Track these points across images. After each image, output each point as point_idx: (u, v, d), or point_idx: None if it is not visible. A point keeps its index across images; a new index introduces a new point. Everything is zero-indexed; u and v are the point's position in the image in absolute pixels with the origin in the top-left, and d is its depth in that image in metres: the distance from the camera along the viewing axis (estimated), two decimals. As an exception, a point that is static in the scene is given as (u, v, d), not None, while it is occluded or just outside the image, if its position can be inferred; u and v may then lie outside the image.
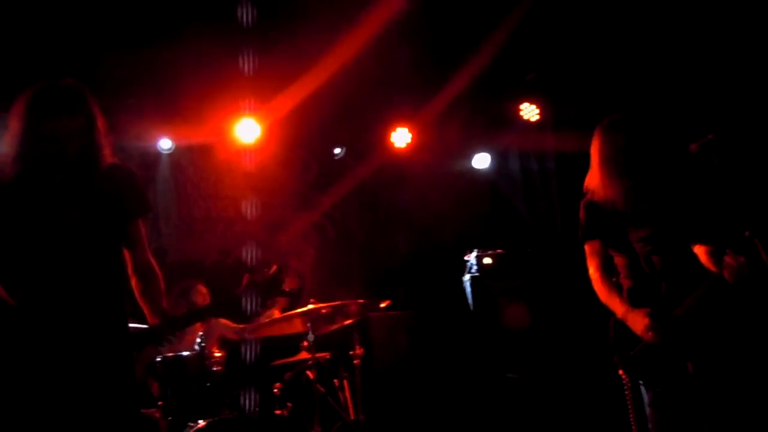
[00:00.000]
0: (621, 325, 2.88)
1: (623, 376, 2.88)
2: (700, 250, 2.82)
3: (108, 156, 2.55)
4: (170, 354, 4.12)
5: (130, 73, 4.99)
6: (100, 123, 2.54)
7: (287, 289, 2.66)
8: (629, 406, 2.88)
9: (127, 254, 2.63)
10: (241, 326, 5.00)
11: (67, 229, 2.43)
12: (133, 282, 2.66)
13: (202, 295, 4.92)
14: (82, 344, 2.40)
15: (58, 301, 2.40)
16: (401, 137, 6.27)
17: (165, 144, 5.82)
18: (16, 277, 2.43)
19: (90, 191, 2.48)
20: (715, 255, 2.72)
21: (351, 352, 4.48)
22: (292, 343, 4.60)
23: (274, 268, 2.77)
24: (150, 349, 4.60)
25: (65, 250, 2.43)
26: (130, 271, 2.64)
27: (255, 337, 4.82)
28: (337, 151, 6.41)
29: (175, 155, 5.95)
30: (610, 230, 2.99)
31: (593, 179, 3.02)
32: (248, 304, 2.79)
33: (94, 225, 2.46)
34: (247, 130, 5.78)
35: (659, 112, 3.14)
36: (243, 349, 4.98)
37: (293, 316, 4.21)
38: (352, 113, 6.09)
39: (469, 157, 6.72)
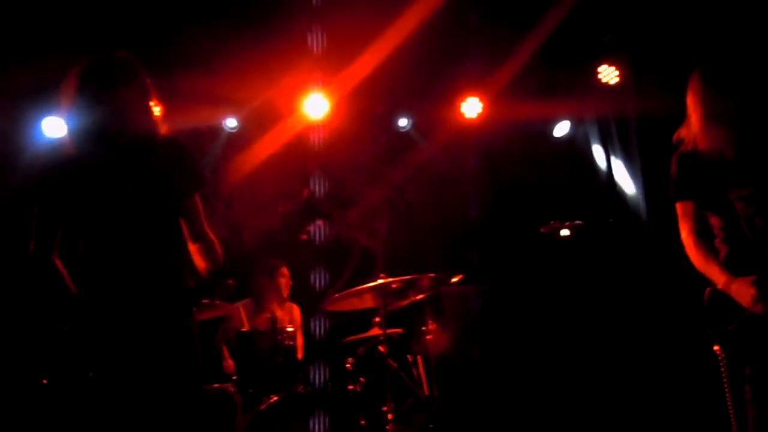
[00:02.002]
0: (719, 296, 2.63)
1: (718, 352, 2.65)
2: None
3: (162, 129, 2.52)
4: (245, 330, 4.17)
5: (199, 49, 5.01)
6: (153, 96, 2.50)
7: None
8: (725, 384, 2.66)
9: (184, 227, 2.57)
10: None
11: (120, 204, 2.41)
12: (194, 253, 2.62)
13: (285, 277, 4.98)
14: (142, 320, 2.40)
15: (115, 280, 2.41)
16: (471, 107, 6.09)
17: (230, 123, 5.87)
18: (77, 254, 2.45)
19: (144, 165, 2.44)
20: None
21: (423, 328, 4.40)
22: (363, 319, 4.57)
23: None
24: (227, 325, 4.73)
25: (119, 226, 2.42)
26: (189, 243, 2.60)
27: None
28: (403, 123, 6.28)
29: (244, 133, 5.99)
30: (707, 186, 2.72)
31: (691, 129, 2.76)
32: None
33: (146, 200, 2.43)
34: (316, 106, 5.74)
35: (759, 54, 2.85)
36: (315, 326, 5.01)
37: (364, 291, 4.16)
38: (420, 84, 5.94)
39: (544, 125, 6.46)
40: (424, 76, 5.88)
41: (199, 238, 2.58)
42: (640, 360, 5.21)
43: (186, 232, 2.56)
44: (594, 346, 5.42)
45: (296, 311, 5.06)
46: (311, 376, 4.22)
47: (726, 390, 2.66)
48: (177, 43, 4.84)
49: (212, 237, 2.62)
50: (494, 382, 5.28)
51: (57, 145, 2.49)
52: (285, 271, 4.99)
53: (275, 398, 3.83)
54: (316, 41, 5.18)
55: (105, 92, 2.40)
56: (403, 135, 6.36)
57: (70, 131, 2.44)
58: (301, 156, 6.06)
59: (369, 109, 6.04)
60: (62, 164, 2.43)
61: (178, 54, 4.89)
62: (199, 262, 2.58)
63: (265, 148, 5.97)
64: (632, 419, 4.96)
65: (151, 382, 2.37)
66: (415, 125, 6.32)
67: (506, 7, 5.24)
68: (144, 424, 2.37)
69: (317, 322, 4.98)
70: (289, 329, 4.15)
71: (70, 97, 2.43)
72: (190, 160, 2.58)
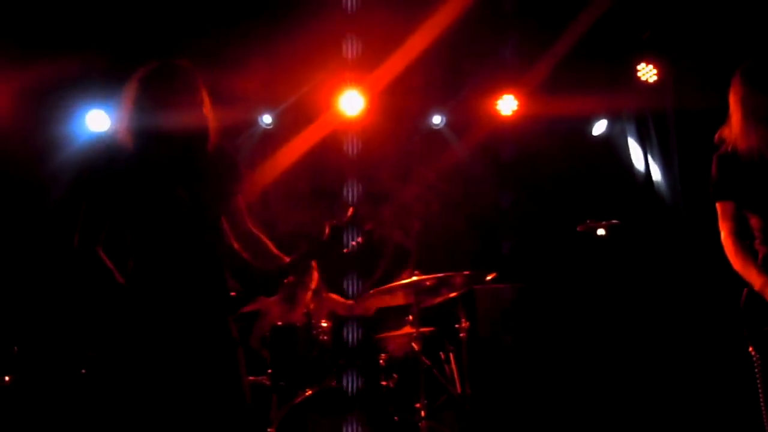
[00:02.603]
0: (756, 298, 2.61)
1: (753, 354, 2.63)
2: None
3: (215, 136, 2.62)
4: (280, 323, 4.24)
5: (235, 47, 5.09)
6: (208, 103, 2.61)
7: (367, 229, 2.69)
8: (759, 385, 2.63)
9: (227, 227, 2.70)
10: (350, 302, 5.06)
11: (172, 206, 2.52)
12: (241, 251, 2.74)
13: (313, 269, 5.01)
14: (187, 317, 2.49)
15: (162, 276, 2.50)
16: (507, 105, 6.06)
17: (266, 119, 5.95)
18: (127, 251, 2.55)
19: (197, 170, 2.57)
20: None
21: (456, 325, 4.42)
22: (397, 316, 4.60)
23: (351, 210, 2.76)
24: (261, 323, 4.80)
25: (169, 226, 2.52)
26: (233, 241, 2.72)
27: (364, 314, 4.88)
28: (437, 120, 6.28)
29: (280, 130, 6.07)
30: (747, 187, 2.70)
31: (732, 129, 2.75)
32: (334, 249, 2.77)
33: (197, 203, 2.55)
34: (351, 103, 5.79)
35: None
36: (350, 323, 5.05)
37: (397, 289, 4.19)
38: (454, 81, 5.94)
39: (581, 123, 6.40)
40: (459, 73, 5.88)
41: (244, 236, 2.71)
42: (675, 359, 5.14)
43: (230, 232, 2.68)
44: (629, 346, 5.36)
45: (333, 299, 5.07)
46: (344, 386, 4.25)
47: (760, 391, 2.63)
48: (214, 41, 4.93)
49: (258, 234, 2.74)
50: (526, 380, 5.27)
51: (111, 143, 2.59)
52: (312, 263, 5.01)
53: (309, 392, 3.88)
54: (350, 39, 5.22)
55: (166, 98, 2.51)
56: (438, 133, 6.37)
57: (129, 131, 2.53)
58: (336, 153, 6.11)
59: (404, 106, 6.06)
60: (117, 162, 2.52)
61: (215, 52, 4.98)
62: (247, 258, 2.70)
63: (300, 145, 6.04)
64: (667, 418, 4.90)
65: (190, 378, 2.45)
66: (449, 123, 6.32)
67: (542, 2, 5.19)
68: (183, 420, 2.43)
69: (350, 329, 5.03)
70: (324, 324, 4.20)
71: (131, 98, 2.53)
72: (234, 163, 2.72)
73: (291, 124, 6.02)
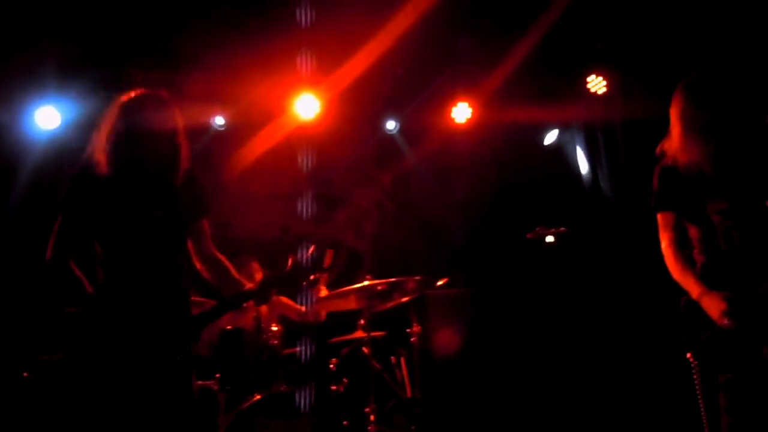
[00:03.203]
0: (693, 306, 2.69)
1: (691, 360, 2.71)
2: None
3: (187, 160, 2.82)
4: (229, 327, 4.18)
5: (189, 48, 5.03)
6: (182, 131, 2.81)
7: (326, 266, 2.82)
8: (698, 391, 2.71)
9: (192, 247, 2.89)
10: (302, 307, 5.04)
11: (146, 224, 2.70)
12: (204, 271, 2.93)
13: (257, 272, 4.97)
14: (150, 329, 2.63)
15: (131, 291, 2.65)
16: (462, 112, 6.13)
17: (218, 121, 5.89)
18: (97, 264, 2.72)
19: (170, 192, 2.76)
20: None
21: (408, 330, 4.44)
22: (348, 321, 4.60)
23: (312, 248, 2.90)
24: (213, 324, 4.74)
25: (143, 244, 2.70)
26: (197, 261, 2.90)
27: (314, 319, 4.86)
28: (391, 125, 6.31)
29: (235, 131, 6.00)
30: (687, 199, 2.78)
31: (672, 143, 2.81)
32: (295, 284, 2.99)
33: (169, 222, 2.74)
34: (307, 106, 5.77)
35: (739, 73, 2.92)
36: (301, 328, 5.03)
37: (349, 293, 4.19)
38: (410, 88, 5.98)
39: (532, 131, 6.52)
40: (415, 80, 5.92)
41: (207, 258, 2.91)
42: (620, 364, 5.27)
43: (193, 252, 2.88)
44: (575, 350, 5.47)
45: (284, 303, 5.03)
46: (297, 401, 4.26)
47: (699, 396, 2.71)
48: (168, 40, 4.86)
49: (221, 257, 2.94)
50: (477, 384, 5.32)
51: (90, 162, 2.75)
52: (257, 266, 4.98)
53: (258, 397, 3.85)
54: (306, 42, 5.21)
55: (145, 126, 2.71)
56: (393, 138, 6.40)
57: (107, 154, 2.70)
58: (291, 156, 6.08)
59: (360, 111, 6.07)
60: (95, 181, 2.69)
61: (168, 51, 4.91)
62: (208, 279, 2.91)
63: (255, 147, 5.99)
64: (611, 420, 5.02)
65: (141, 391, 2.58)
66: (403, 129, 6.35)
67: (497, 13, 5.27)
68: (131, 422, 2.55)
69: (304, 346, 5.03)
70: (274, 328, 4.17)
71: (111, 124, 2.73)
72: (203, 187, 2.92)
73: (245, 126, 5.96)
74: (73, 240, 2.69)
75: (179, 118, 2.81)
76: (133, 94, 2.76)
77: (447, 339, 5.26)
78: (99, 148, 2.72)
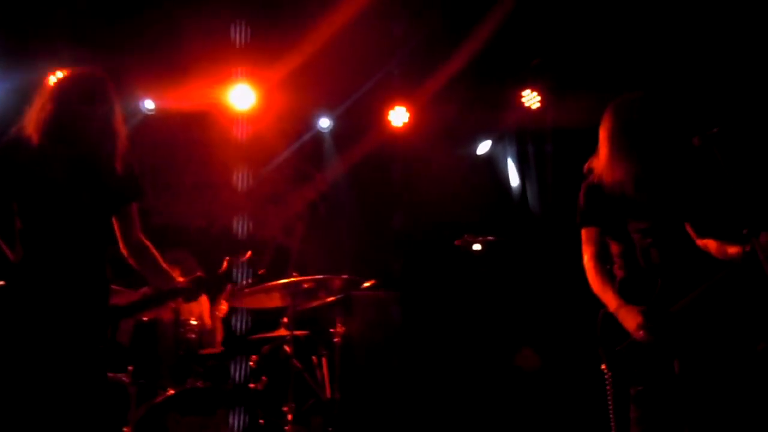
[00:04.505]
0: (610, 319, 2.77)
1: (606, 371, 2.79)
2: (707, 242, 2.71)
3: (122, 144, 2.77)
4: (145, 319, 4.04)
5: (122, 32, 4.85)
6: (119, 113, 2.78)
7: (260, 273, 2.80)
8: (609, 402, 2.79)
9: (118, 232, 2.80)
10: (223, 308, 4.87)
11: (73, 206, 2.65)
12: (129, 257, 2.84)
13: (184, 265, 4.80)
14: (65, 310, 2.58)
15: (49, 269, 2.60)
16: (399, 116, 6.14)
17: (148, 104, 5.67)
18: (21, 237, 2.64)
19: (99, 174, 2.70)
20: (727, 243, 2.62)
21: (331, 330, 4.40)
22: (271, 318, 4.52)
23: (249, 253, 2.91)
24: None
25: (68, 226, 2.64)
26: (122, 247, 2.82)
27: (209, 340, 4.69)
28: (325, 124, 6.25)
29: (167, 118, 5.80)
30: (609, 216, 2.87)
31: (599, 161, 2.89)
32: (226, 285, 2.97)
33: (96, 205, 2.69)
34: (242, 97, 5.65)
35: (665, 96, 3.04)
36: (236, 320, 4.91)
37: (273, 289, 4.11)
38: (349, 87, 5.95)
39: (467, 140, 6.61)
40: (355, 78, 5.89)
41: (134, 244, 2.82)
42: (538, 372, 5.40)
43: (120, 237, 2.79)
44: (498, 355, 5.57)
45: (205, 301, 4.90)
46: (232, 371, 4.16)
47: (610, 406, 2.80)
48: (98, 22, 4.67)
49: (148, 244, 2.86)
50: (397, 386, 5.34)
51: (20, 135, 2.68)
52: (182, 258, 4.82)
53: (172, 392, 3.72)
54: (244, 29, 5.10)
55: (78, 104, 2.68)
56: (328, 136, 6.34)
57: (39, 130, 2.64)
58: (222, 147, 5.94)
59: (295, 106, 5.99)
60: (22, 154, 2.63)
61: (98, 33, 4.72)
62: (133, 265, 2.84)
63: (185, 135, 5.82)
64: (525, 428, 5.13)
65: (52, 366, 2.52)
66: (339, 127, 6.30)
67: (441, 20, 5.31)
68: (36, 408, 2.50)
69: (239, 317, 4.89)
70: (193, 322, 4.04)
71: (44, 100, 2.68)
72: (134, 172, 2.84)
73: (176, 112, 5.77)
74: None
75: (115, 98, 2.77)
76: (68, 70, 2.76)
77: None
78: (30, 122, 2.67)
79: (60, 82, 2.74)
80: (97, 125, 2.70)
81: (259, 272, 2.85)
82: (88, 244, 2.68)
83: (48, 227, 2.63)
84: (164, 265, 2.87)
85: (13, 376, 2.48)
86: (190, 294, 2.87)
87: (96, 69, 2.81)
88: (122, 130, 2.78)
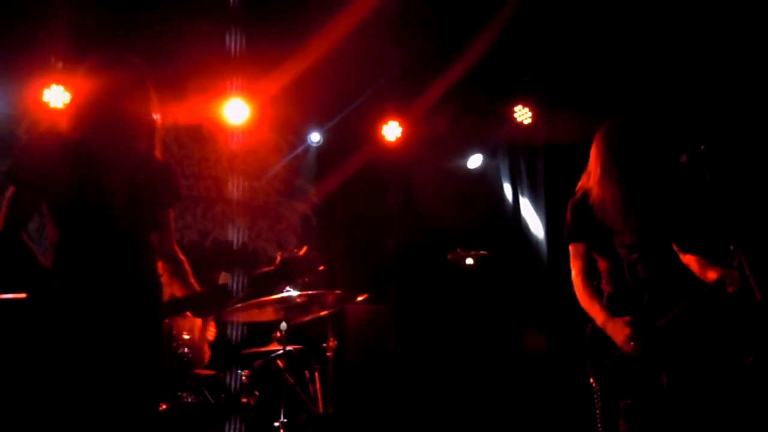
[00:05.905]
0: (598, 333, 2.82)
1: (594, 385, 2.82)
2: (690, 260, 2.79)
3: (159, 147, 2.64)
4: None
5: (116, 47, 4.86)
6: (159, 117, 2.64)
7: (320, 269, 2.73)
8: (598, 415, 2.82)
9: (154, 238, 2.66)
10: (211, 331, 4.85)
11: (112, 208, 2.48)
12: (161, 264, 2.70)
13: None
14: (110, 310, 2.44)
15: (88, 266, 2.44)
16: (392, 130, 6.18)
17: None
18: (58, 241, 2.48)
19: (140, 177, 2.54)
20: (708, 265, 2.68)
21: (324, 344, 4.40)
22: (264, 332, 4.52)
23: (305, 249, 2.79)
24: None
25: (107, 229, 2.47)
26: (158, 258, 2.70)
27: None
28: (315, 138, 6.28)
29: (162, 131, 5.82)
30: (597, 233, 2.94)
31: (589, 180, 2.98)
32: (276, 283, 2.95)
33: (136, 208, 2.52)
34: (236, 111, 5.68)
35: (653, 120, 3.13)
36: (232, 331, 4.89)
37: (267, 303, 4.12)
38: (343, 102, 5.99)
39: (459, 155, 6.65)
40: (349, 93, 5.93)
41: (170, 252, 2.71)
42: (528, 386, 5.41)
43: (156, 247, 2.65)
44: (489, 370, 5.58)
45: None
46: (228, 382, 4.14)
47: (598, 419, 2.83)
48: (97, 36, 4.70)
49: (181, 255, 2.75)
50: (390, 400, 5.33)
51: (50, 128, 2.61)
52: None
53: (164, 406, 3.72)
54: (238, 44, 5.14)
55: (121, 96, 2.50)
56: (323, 150, 6.37)
57: (79, 123, 2.49)
58: (215, 160, 5.97)
59: (289, 120, 6.03)
60: (56, 149, 2.46)
61: (97, 47, 4.74)
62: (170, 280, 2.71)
63: (181, 148, 5.84)
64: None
65: (102, 371, 2.39)
66: (328, 141, 6.31)
67: (435, 36, 5.36)
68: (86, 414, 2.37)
69: (234, 328, 4.89)
70: (186, 337, 4.04)
71: (85, 92, 2.54)
72: (173, 176, 2.74)
73: (173, 126, 5.79)
74: (28, 211, 2.49)
75: (152, 87, 2.60)
76: (105, 56, 2.57)
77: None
78: (77, 112, 2.53)
79: (99, 69, 2.54)
80: (142, 129, 2.55)
81: (320, 268, 2.77)
82: (130, 241, 2.50)
83: (87, 226, 2.44)
84: (194, 281, 2.75)
85: (58, 377, 2.35)
86: (200, 306, 2.77)
87: (133, 56, 2.63)
88: (160, 135, 2.65)
